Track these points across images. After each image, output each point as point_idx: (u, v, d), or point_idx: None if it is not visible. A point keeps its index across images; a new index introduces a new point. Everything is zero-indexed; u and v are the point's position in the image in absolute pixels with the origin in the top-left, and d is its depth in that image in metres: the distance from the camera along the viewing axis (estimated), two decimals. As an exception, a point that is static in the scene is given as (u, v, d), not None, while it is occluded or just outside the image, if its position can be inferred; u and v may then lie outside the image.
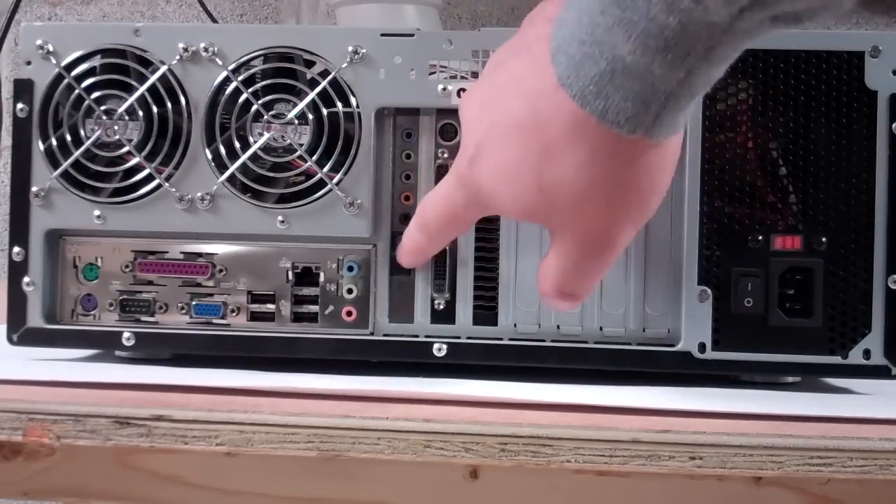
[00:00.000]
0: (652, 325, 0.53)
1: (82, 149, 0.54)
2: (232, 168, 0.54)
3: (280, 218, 0.53)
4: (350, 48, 0.53)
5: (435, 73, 0.53)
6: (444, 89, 0.53)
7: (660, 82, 0.39)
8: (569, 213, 0.44)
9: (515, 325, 0.54)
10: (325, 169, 0.53)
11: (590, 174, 0.42)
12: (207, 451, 0.43)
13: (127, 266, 0.55)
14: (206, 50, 0.54)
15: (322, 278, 0.54)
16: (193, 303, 0.55)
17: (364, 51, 0.53)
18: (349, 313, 0.54)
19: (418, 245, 0.51)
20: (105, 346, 0.55)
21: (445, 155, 0.54)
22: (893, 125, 0.51)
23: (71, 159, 0.54)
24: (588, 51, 0.40)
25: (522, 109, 0.43)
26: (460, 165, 0.46)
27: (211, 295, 0.55)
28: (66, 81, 0.54)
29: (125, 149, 0.54)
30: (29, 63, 0.55)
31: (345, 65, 0.53)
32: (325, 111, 0.54)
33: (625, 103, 0.40)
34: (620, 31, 0.38)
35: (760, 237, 0.52)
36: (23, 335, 0.55)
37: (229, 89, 0.54)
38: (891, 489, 0.43)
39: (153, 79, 0.54)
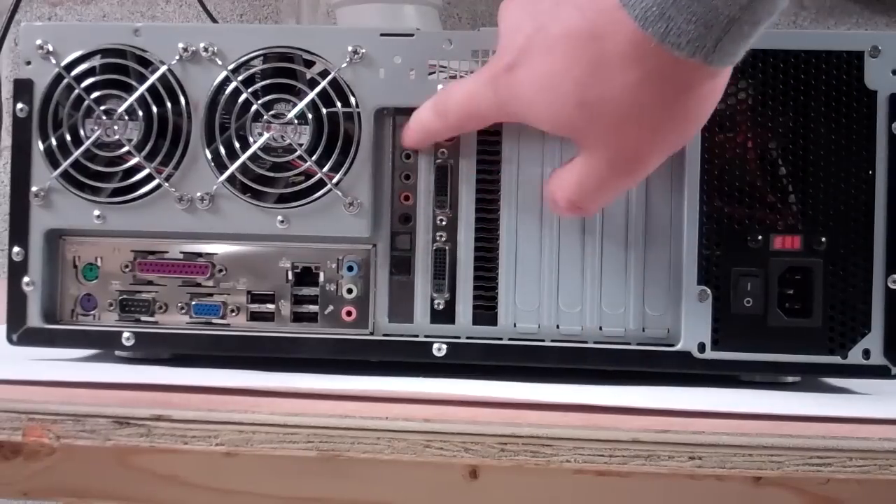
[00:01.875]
0: (652, 325, 0.53)
1: (82, 149, 0.54)
2: (232, 168, 0.54)
3: (280, 218, 0.53)
4: (350, 48, 0.53)
5: (434, 73, 0.53)
6: (444, 89, 0.53)
7: (723, 6, 0.39)
8: (607, 131, 0.43)
9: (515, 325, 0.54)
10: (325, 169, 0.53)
11: (639, 95, 0.42)
12: (207, 451, 0.43)
13: (127, 266, 0.55)
14: (205, 50, 0.54)
15: (322, 278, 0.54)
16: (193, 303, 0.55)
17: (364, 51, 0.53)
18: (349, 313, 0.54)
19: (430, 127, 0.51)
20: (105, 346, 0.55)
21: (445, 155, 0.54)
22: (893, 125, 0.51)
23: (71, 159, 0.54)
24: None
25: (577, 20, 0.42)
26: (496, 68, 0.45)
27: (211, 295, 0.55)
28: (65, 81, 0.54)
29: (125, 149, 0.54)
30: (29, 63, 0.55)
31: (344, 65, 0.53)
32: (324, 111, 0.54)
33: (687, 25, 0.40)
34: None
35: (760, 237, 0.52)
36: (23, 335, 0.55)
37: (229, 89, 0.54)
38: (891, 489, 0.43)
39: (153, 79, 0.54)
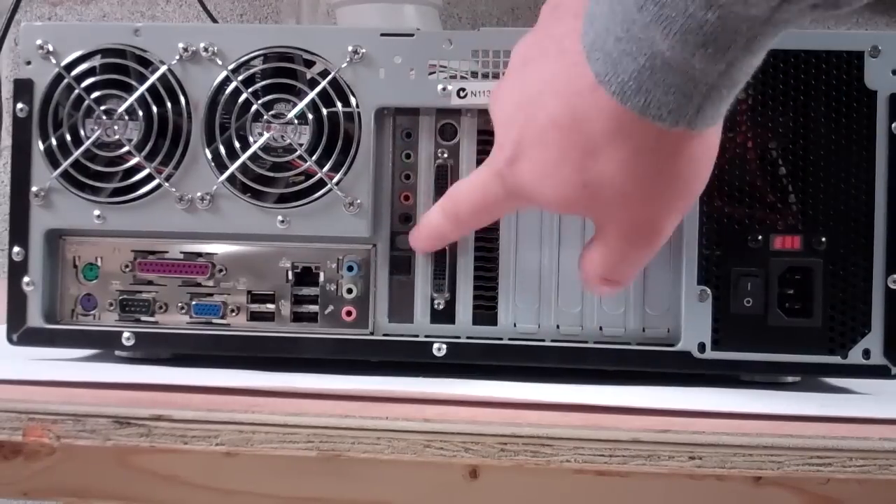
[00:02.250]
0: (652, 325, 0.53)
1: (82, 149, 0.54)
2: (232, 168, 0.54)
3: (280, 218, 0.53)
4: (350, 48, 0.53)
5: (435, 72, 0.53)
6: (444, 89, 0.53)
7: (701, 75, 0.39)
8: (614, 207, 0.44)
9: (515, 325, 0.54)
10: (325, 169, 0.53)
11: (634, 169, 0.42)
12: (207, 451, 0.43)
13: (127, 266, 0.55)
14: (205, 50, 0.54)
15: (322, 278, 0.54)
16: (193, 303, 0.55)
17: (364, 51, 0.53)
18: (349, 313, 0.54)
19: (441, 231, 0.51)
20: (105, 345, 0.55)
21: (445, 155, 0.54)
22: (893, 125, 0.51)
23: (71, 159, 0.54)
24: (625, 47, 0.39)
25: (559, 109, 0.43)
26: (499, 163, 0.46)
27: (211, 295, 0.55)
28: (65, 81, 0.54)
29: (125, 149, 0.54)
30: (29, 63, 0.55)
31: (344, 65, 0.53)
32: (324, 111, 0.54)
33: (666, 97, 0.40)
34: (658, 27, 0.38)
35: (760, 237, 0.52)
36: (23, 335, 0.55)
37: (229, 89, 0.54)
38: (891, 489, 0.43)
39: (153, 79, 0.54)
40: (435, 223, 0.51)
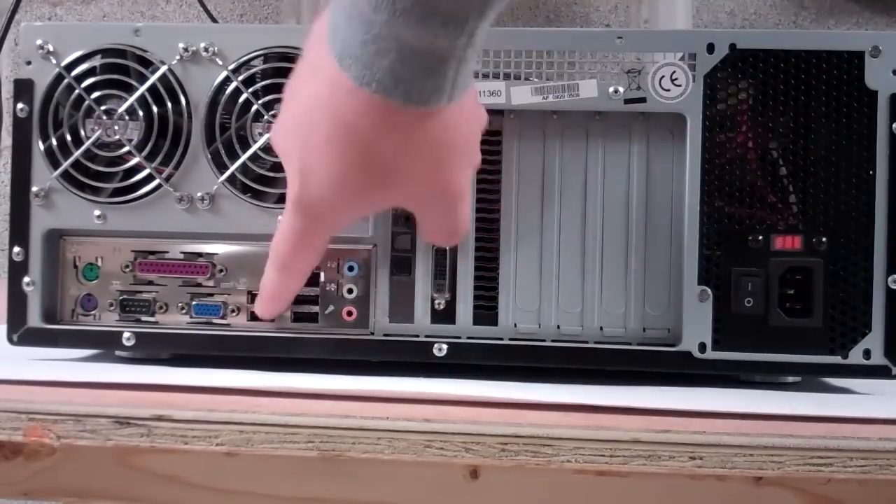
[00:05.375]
0: (652, 325, 0.53)
1: (82, 149, 0.54)
2: (232, 168, 0.53)
3: (280, 218, 0.53)
4: (350, 48, 0.53)
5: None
6: (445, 89, 0.53)
7: (448, 52, 0.41)
8: (413, 191, 0.46)
9: (515, 325, 0.54)
10: (326, 169, 0.53)
11: (415, 152, 0.44)
12: (207, 451, 0.43)
13: (127, 266, 0.55)
14: (206, 50, 0.54)
15: (322, 278, 0.54)
16: (193, 303, 0.55)
17: (364, 51, 0.53)
18: (349, 313, 0.54)
19: (277, 286, 0.50)
20: (105, 346, 0.55)
21: (445, 155, 0.54)
22: (893, 125, 0.51)
23: (71, 159, 0.54)
24: (373, 48, 0.41)
25: (328, 123, 0.44)
26: (293, 196, 0.47)
27: (211, 295, 0.55)
28: (66, 81, 0.54)
29: (125, 149, 0.54)
30: (29, 63, 0.55)
31: (345, 65, 0.53)
32: (325, 111, 0.53)
33: (424, 82, 0.42)
34: (398, 21, 0.39)
35: (760, 237, 0.52)
36: (23, 335, 0.55)
37: (229, 89, 0.54)
38: (891, 489, 0.43)
39: (153, 79, 0.54)
40: (269, 281, 0.50)
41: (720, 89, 0.52)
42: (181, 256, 0.55)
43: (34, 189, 0.54)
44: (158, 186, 0.54)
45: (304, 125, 0.45)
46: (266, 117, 0.53)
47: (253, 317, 0.55)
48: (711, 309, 0.52)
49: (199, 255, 0.55)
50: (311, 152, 0.45)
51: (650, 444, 0.42)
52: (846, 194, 0.51)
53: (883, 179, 0.51)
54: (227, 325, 0.55)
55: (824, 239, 0.51)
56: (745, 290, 0.52)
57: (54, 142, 0.54)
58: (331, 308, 0.54)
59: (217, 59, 0.54)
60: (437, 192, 0.47)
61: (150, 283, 0.55)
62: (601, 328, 0.54)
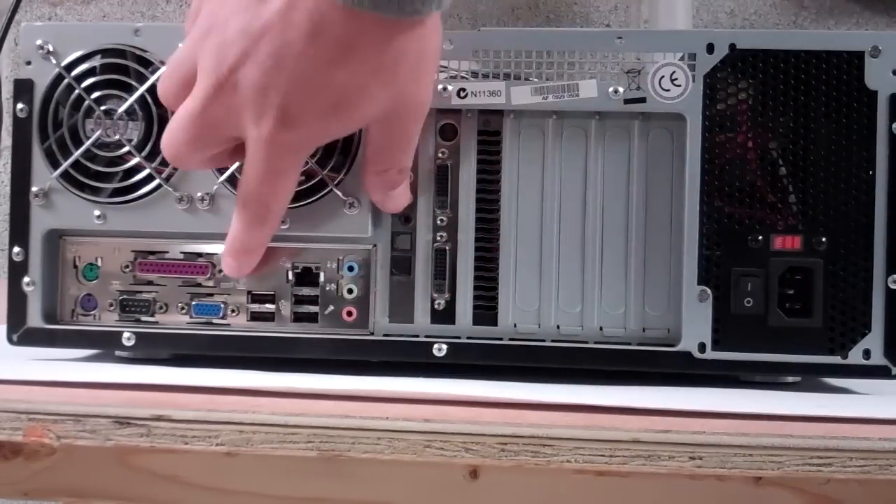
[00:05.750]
0: (652, 325, 0.53)
1: (82, 149, 0.54)
2: (232, 168, 0.53)
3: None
4: (350, 48, 0.53)
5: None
6: (444, 89, 0.53)
7: None
8: (381, 105, 0.47)
9: (515, 325, 0.54)
10: (327, 170, 0.53)
11: (403, 62, 0.46)
12: (207, 451, 0.43)
13: (127, 266, 0.55)
14: (206, 50, 0.54)
15: (322, 278, 0.54)
16: (193, 303, 0.55)
17: (364, 51, 0.53)
18: (349, 313, 0.54)
19: (255, 237, 0.50)
20: (105, 346, 0.55)
21: (445, 155, 0.54)
22: (893, 125, 0.51)
23: (71, 159, 0.54)
24: None
25: (295, 33, 0.44)
26: (267, 130, 0.46)
27: (211, 295, 0.55)
28: (66, 81, 0.54)
29: (125, 149, 0.54)
30: (29, 63, 0.55)
31: (345, 65, 0.53)
32: (325, 111, 0.53)
33: None
34: None
35: (760, 237, 0.52)
36: (23, 335, 0.55)
37: (229, 89, 0.54)
38: (891, 489, 0.43)
39: (153, 79, 0.54)
40: (241, 233, 0.50)
41: (720, 89, 0.52)
42: (181, 256, 0.55)
43: (34, 189, 0.54)
44: (158, 186, 0.54)
45: (278, 48, 0.44)
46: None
47: (253, 317, 0.55)
48: (711, 309, 0.52)
49: (199, 255, 0.55)
50: (290, 73, 0.45)
51: (650, 444, 0.42)
52: (846, 194, 0.52)
53: (883, 179, 0.51)
54: (227, 325, 0.55)
55: (824, 239, 0.51)
56: (744, 290, 0.52)
57: (54, 142, 0.54)
58: (330, 308, 0.54)
59: (217, 59, 0.54)
60: (408, 103, 0.47)
61: (150, 283, 0.55)
62: (601, 328, 0.54)
